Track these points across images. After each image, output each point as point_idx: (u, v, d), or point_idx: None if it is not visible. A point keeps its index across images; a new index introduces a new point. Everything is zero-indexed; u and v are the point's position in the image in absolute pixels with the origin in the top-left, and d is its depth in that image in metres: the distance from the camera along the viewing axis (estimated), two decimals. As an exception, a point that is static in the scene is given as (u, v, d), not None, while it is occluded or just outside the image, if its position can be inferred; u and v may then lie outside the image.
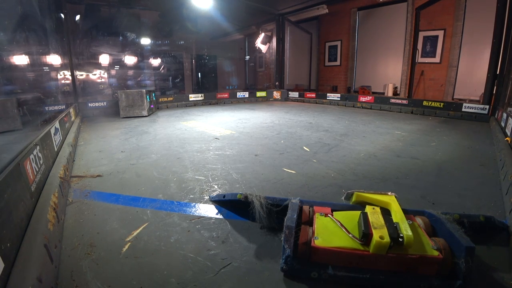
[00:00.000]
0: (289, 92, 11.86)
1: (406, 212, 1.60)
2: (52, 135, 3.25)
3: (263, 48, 12.61)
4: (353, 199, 1.84)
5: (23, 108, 6.55)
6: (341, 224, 1.54)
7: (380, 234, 1.34)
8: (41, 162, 2.38)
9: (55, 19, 7.85)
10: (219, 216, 2.12)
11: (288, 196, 2.09)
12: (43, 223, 1.64)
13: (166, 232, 1.89)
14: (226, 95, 11.11)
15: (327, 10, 9.86)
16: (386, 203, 1.66)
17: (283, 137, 4.74)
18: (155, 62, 12.32)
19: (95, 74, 10.62)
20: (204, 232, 1.90)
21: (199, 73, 13.93)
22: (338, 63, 11.28)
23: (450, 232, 1.44)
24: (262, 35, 12.23)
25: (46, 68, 8.89)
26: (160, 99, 9.55)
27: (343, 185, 2.68)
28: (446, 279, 1.34)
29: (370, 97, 8.88)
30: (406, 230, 1.36)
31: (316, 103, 10.50)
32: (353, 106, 9.22)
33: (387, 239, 1.32)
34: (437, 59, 8.26)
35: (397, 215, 1.52)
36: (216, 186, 2.66)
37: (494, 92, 6.23)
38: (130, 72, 11.59)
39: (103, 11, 9.70)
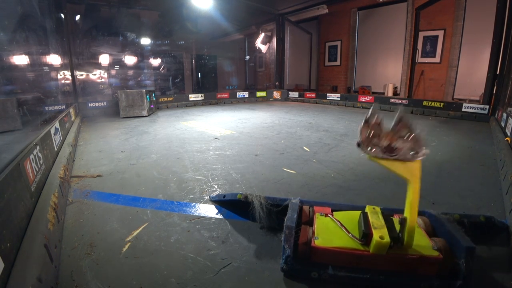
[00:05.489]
0: (289, 92, 11.86)
1: None
2: (52, 135, 3.25)
3: (263, 48, 12.61)
4: (367, 157, 1.37)
5: (23, 108, 6.55)
6: (341, 224, 1.54)
7: (380, 234, 1.34)
8: (41, 162, 2.38)
9: (55, 19, 7.85)
10: (219, 216, 2.12)
11: (288, 196, 2.09)
12: (43, 223, 1.64)
13: (166, 232, 1.89)
14: (226, 95, 11.11)
15: (327, 10, 9.85)
16: (405, 177, 1.31)
17: (283, 137, 4.74)
18: (155, 62, 12.32)
19: (95, 74, 10.62)
20: (204, 232, 1.89)
21: (199, 73, 13.93)
22: (338, 63, 11.27)
23: (450, 232, 1.44)
24: (262, 35, 12.23)
25: (46, 68, 8.90)
26: (160, 99, 9.55)
27: (343, 185, 2.67)
28: (446, 279, 1.34)
29: (370, 97, 8.87)
30: (411, 225, 1.31)
31: (316, 103, 10.50)
32: (353, 106, 9.21)
33: (387, 239, 1.32)
34: (437, 59, 8.26)
35: (412, 203, 1.28)
36: (216, 186, 2.66)
37: (494, 92, 6.23)
38: (130, 72, 11.59)
39: (103, 11, 9.69)
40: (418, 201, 1.30)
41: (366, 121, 1.28)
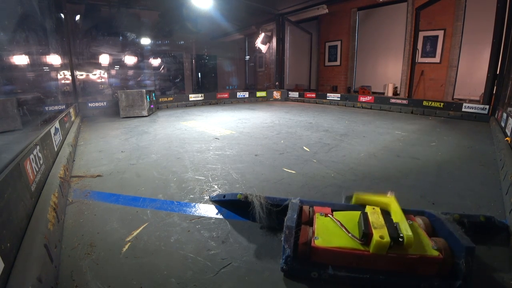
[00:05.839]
0: (289, 92, 11.86)
1: (406, 212, 1.60)
2: (52, 135, 3.25)
3: (263, 48, 12.61)
4: (353, 201, 1.85)
5: (23, 108, 6.54)
6: (341, 224, 1.54)
7: (380, 234, 1.34)
8: (41, 162, 2.38)
9: (55, 19, 7.84)
10: (219, 216, 2.12)
11: (288, 196, 2.09)
12: (43, 223, 1.64)
13: (166, 232, 1.89)
14: (226, 95, 11.11)
15: (327, 10, 9.86)
16: (385, 204, 1.66)
17: (283, 137, 4.74)
18: (155, 62, 12.32)
19: (95, 74, 10.62)
20: (204, 232, 1.89)
21: (199, 73, 13.93)
22: (338, 63, 11.27)
23: (450, 232, 1.44)
24: (262, 35, 12.23)
25: (46, 68, 8.89)
26: (160, 99, 9.55)
27: (343, 185, 2.67)
28: (446, 279, 1.34)
29: (370, 97, 8.87)
30: (406, 230, 1.36)
31: (316, 103, 10.50)
32: (353, 106, 9.21)
33: (387, 238, 1.32)
34: (437, 59, 8.26)
35: (397, 215, 1.52)
36: (216, 186, 2.66)
37: (494, 92, 6.23)
38: (130, 72, 11.59)
39: (103, 11, 9.70)
40: (400, 210, 1.56)
41: None
